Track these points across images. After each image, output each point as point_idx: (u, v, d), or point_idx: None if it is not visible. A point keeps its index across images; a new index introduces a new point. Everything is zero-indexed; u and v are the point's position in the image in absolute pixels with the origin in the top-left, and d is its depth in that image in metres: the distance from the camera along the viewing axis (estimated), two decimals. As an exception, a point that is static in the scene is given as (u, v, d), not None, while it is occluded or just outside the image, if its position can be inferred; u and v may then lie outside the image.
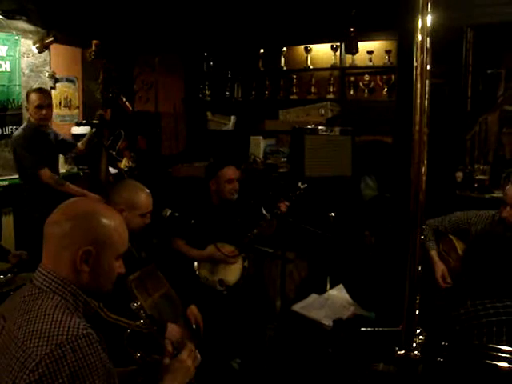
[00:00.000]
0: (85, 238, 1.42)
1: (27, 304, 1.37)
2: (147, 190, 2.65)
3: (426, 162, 1.17)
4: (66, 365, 1.24)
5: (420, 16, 1.09)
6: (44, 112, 3.98)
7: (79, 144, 4.35)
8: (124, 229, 1.55)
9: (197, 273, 3.29)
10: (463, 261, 2.21)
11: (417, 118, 1.13)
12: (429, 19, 1.09)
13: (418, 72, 1.11)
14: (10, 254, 3.37)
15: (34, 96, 3.97)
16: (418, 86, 1.11)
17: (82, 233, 1.43)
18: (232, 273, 3.36)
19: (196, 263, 3.31)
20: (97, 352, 1.31)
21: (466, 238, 2.95)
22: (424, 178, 1.17)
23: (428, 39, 1.09)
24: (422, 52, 1.10)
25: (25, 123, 4.10)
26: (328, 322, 2.83)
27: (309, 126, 4.44)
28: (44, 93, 4.10)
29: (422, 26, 1.09)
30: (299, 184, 3.48)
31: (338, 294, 3.24)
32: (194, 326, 2.73)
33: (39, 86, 4.70)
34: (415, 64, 1.12)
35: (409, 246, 1.20)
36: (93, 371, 1.28)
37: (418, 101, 1.12)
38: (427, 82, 1.12)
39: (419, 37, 1.10)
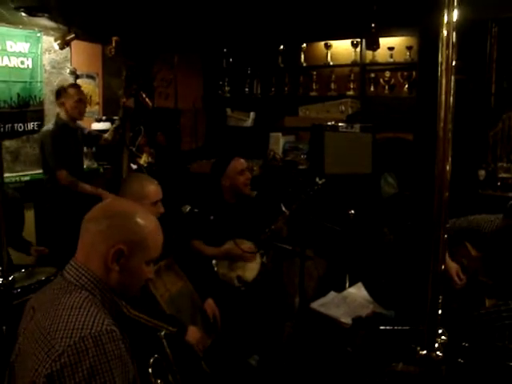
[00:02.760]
0: (119, 236, 1.44)
1: (56, 297, 1.40)
2: (154, 180, 2.69)
3: (450, 159, 1.15)
4: (88, 358, 1.26)
5: (446, 11, 1.07)
6: (83, 107, 4.15)
7: (106, 135, 4.42)
8: (159, 234, 1.56)
9: (215, 269, 3.29)
10: (484, 260, 2.18)
11: (441, 115, 1.11)
12: (455, 14, 1.07)
13: (443, 68, 1.08)
14: (32, 248, 3.44)
15: (73, 91, 4.08)
16: (443, 82, 1.09)
17: (118, 232, 1.44)
18: (250, 269, 3.35)
19: (214, 260, 3.31)
20: (118, 350, 1.32)
21: (476, 242, 2.90)
22: (448, 176, 1.15)
23: (454, 34, 1.07)
24: (447, 48, 1.08)
25: (54, 119, 4.16)
26: (347, 320, 2.81)
27: (329, 123, 4.41)
28: (80, 88, 4.25)
29: (447, 21, 1.07)
30: (317, 179, 3.45)
31: (357, 292, 3.22)
32: (211, 320, 2.74)
33: (60, 82, 4.74)
34: (440, 60, 1.10)
35: (432, 244, 1.18)
36: (113, 368, 1.29)
37: (443, 97, 1.09)
38: (452, 78, 1.10)
39: (445, 32, 1.08)
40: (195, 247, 3.36)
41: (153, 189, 2.62)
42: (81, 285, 1.41)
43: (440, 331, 1.26)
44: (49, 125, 4.16)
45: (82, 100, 4.15)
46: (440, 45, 1.08)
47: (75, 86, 4.24)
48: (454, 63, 1.09)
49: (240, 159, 3.52)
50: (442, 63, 1.10)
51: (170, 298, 2.59)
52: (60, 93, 4.13)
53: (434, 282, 1.21)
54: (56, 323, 1.32)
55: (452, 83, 1.10)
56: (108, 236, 1.43)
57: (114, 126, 4.39)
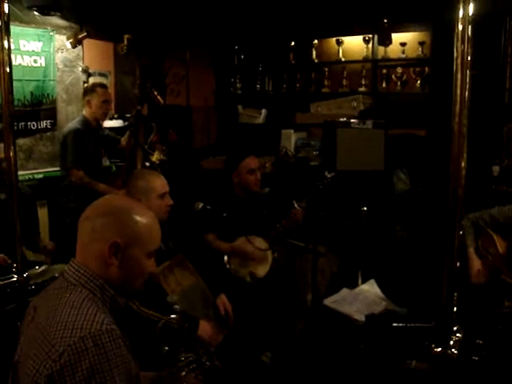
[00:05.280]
0: (114, 231, 1.44)
1: (56, 297, 1.40)
2: (159, 174, 2.73)
3: (465, 155, 1.14)
4: (88, 358, 1.26)
5: (461, 5, 1.06)
6: (108, 108, 4.22)
7: (122, 140, 4.46)
8: (156, 227, 1.56)
9: (227, 266, 3.29)
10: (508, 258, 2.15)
11: (457, 110, 1.10)
12: (470, 8, 1.06)
13: (459, 62, 1.07)
14: (41, 245, 3.47)
15: (101, 90, 4.15)
16: (459, 77, 1.08)
17: (112, 227, 1.44)
18: (262, 265, 3.35)
19: (226, 256, 3.32)
20: (119, 349, 1.32)
21: (506, 233, 2.87)
22: (463, 172, 1.14)
23: (469, 29, 1.05)
24: (462, 42, 1.07)
25: (79, 118, 4.21)
26: (359, 317, 2.80)
27: (341, 119, 4.39)
28: (108, 89, 4.32)
29: (462, 16, 1.05)
30: (326, 173, 3.44)
31: (370, 288, 3.20)
32: (223, 315, 2.74)
33: (73, 80, 4.78)
34: (455, 55, 1.08)
35: (447, 241, 1.17)
36: (113, 367, 1.29)
37: (459, 92, 1.08)
38: (468, 73, 1.09)
39: (460, 26, 1.07)
40: (208, 241, 3.37)
41: (158, 182, 2.63)
42: (80, 284, 1.42)
43: (455, 328, 1.25)
44: (73, 122, 4.20)
45: (108, 101, 4.23)
46: (455, 39, 1.07)
47: (103, 86, 4.29)
48: (469, 58, 1.08)
49: (253, 158, 3.51)
50: (457, 58, 1.08)
51: (182, 292, 2.59)
52: (87, 91, 4.20)
53: (450, 278, 1.20)
54: (56, 323, 1.32)
55: (467, 78, 1.09)
56: (103, 233, 1.43)
57: (129, 133, 4.42)
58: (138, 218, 1.49)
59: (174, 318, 1.82)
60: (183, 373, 1.71)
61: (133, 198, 2.40)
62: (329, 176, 3.42)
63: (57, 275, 2.81)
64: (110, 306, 1.45)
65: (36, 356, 1.30)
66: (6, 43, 1.76)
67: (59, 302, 1.37)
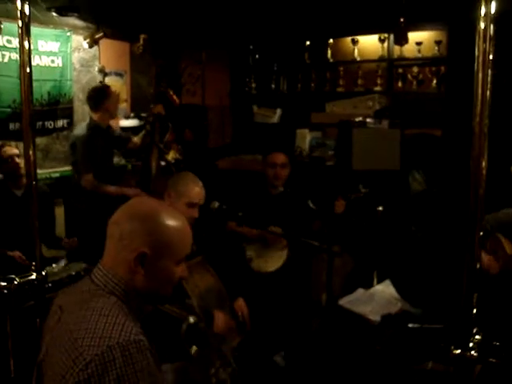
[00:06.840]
0: (143, 239, 1.39)
1: (84, 300, 1.38)
2: (200, 183, 2.71)
3: (486, 155, 1.13)
4: (115, 369, 1.24)
5: (483, 3, 1.04)
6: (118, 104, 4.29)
7: (135, 138, 4.45)
8: (188, 234, 1.50)
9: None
10: None
11: (478, 110, 1.09)
12: (492, 6, 1.05)
13: (480, 61, 1.06)
14: (63, 241, 3.53)
15: (112, 92, 4.14)
16: (480, 76, 1.07)
17: (141, 234, 1.40)
18: (276, 258, 3.38)
19: (244, 243, 3.41)
20: (146, 360, 1.30)
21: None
22: (484, 172, 1.13)
23: (492, 27, 1.04)
24: (484, 41, 1.06)
25: (87, 122, 4.14)
26: (374, 318, 2.79)
27: (356, 119, 4.37)
28: (110, 87, 4.32)
29: (485, 14, 1.04)
30: (360, 187, 3.45)
31: (385, 289, 3.19)
32: (240, 319, 2.74)
33: (89, 80, 4.82)
34: (477, 54, 1.07)
35: (467, 242, 1.16)
36: (140, 379, 1.27)
37: (480, 92, 1.07)
38: (489, 72, 1.08)
39: (482, 25, 1.05)
40: (230, 228, 3.45)
41: (194, 190, 2.64)
42: (109, 290, 1.39)
43: (474, 330, 1.24)
44: (82, 126, 4.16)
45: (118, 99, 4.31)
46: (477, 38, 1.06)
47: (108, 87, 4.29)
48: (491, 57, 1.07)
49: (279, 154, 3.57)
50: (478, 57, 1.07)
51: (199, 295, 2.60)
52: (101, 98, 4.09)
53: (469, 279, 1.19)
54: (84, 329, 1.30)
55: (489, 78, 1.08)
56: (131, 240, 1.39)
57: (144, 132, 4.42)
58: (169, 224, 1.43)
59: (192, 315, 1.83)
60: (213, 370, 1.71)
61: (164, 193, 2.42)
62: (363, 191, 3.44)
63: (74, 273, 2.84)
64: (136, 312, 1.42)
65: (63, 362, 1.29)
66: (26, 44, 1.78)
67: (87, 307, 1.35)
